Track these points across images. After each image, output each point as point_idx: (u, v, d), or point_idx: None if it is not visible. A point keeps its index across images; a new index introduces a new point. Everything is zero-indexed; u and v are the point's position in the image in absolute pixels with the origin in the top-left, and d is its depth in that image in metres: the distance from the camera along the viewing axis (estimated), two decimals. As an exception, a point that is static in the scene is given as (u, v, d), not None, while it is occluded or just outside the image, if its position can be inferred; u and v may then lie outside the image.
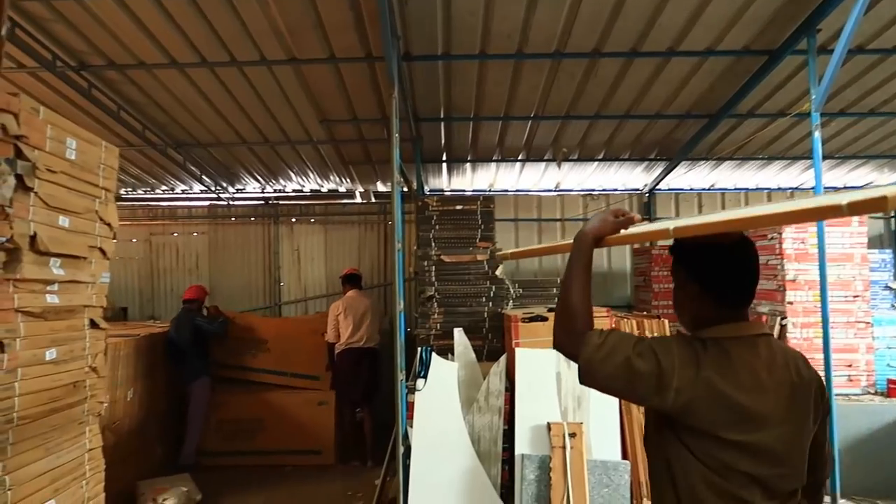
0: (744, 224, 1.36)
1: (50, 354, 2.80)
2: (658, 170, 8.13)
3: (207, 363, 6.64)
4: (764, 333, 1.59)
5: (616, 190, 8.96)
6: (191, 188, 8.70)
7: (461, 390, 4.73)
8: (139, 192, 8.83)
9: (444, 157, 7.74)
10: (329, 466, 6.52)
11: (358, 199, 8.98)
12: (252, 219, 9.06)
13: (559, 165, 7.48)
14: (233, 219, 9.06)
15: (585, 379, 1.57)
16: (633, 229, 1.67)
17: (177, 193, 8.89)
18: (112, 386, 5.49)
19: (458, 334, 5.21)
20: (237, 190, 8.90)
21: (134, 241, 8.96)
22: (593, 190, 8.97)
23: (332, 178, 8.51)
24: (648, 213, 8.89)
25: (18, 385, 2.61)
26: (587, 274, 1.66)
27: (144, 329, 6.72)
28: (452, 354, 5.14)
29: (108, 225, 3.29)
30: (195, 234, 8.99)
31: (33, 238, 2.63)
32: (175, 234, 8.99)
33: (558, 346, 1.65)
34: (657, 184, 8.52)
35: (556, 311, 1.67)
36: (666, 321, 4.77)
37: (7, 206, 2.48)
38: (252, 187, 8.84)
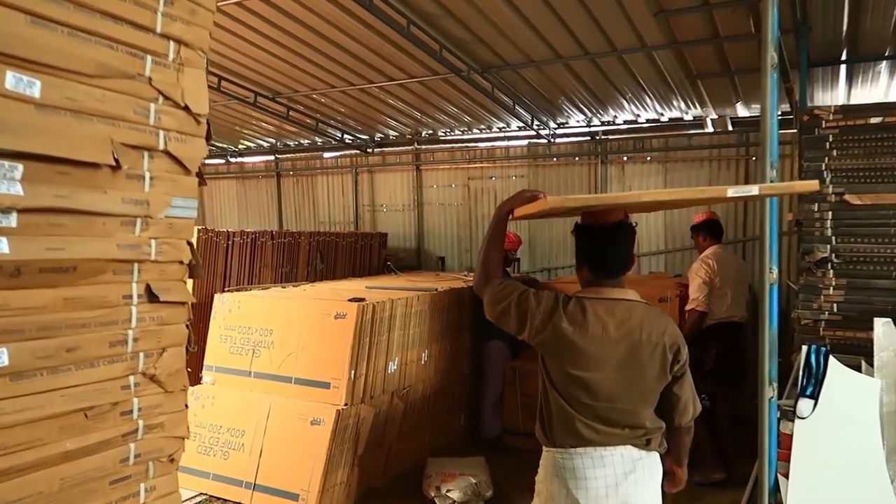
0: (613, 202, 2.13)
1: (-6, 361, 1.33)
2: None
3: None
4: (628, 299, 2.10)
5: None
6: (508, 125, 7.78)
7: (885, 426, 2.75)
8: (456, 132, 8.25)
9: (844, 56, 5.32)
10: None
11: (709, 129, 6.99)
12: (576, 158, 7.79)
13: None
14: (554, 159, 7.90)
15: (486, 311, 2.18)
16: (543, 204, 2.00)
17: (494, 133, 8.07)
18: (402, 347, 4.82)
19: (882, 327, 3.10)
20: (559, 125, 7.69)
21: (453, 186, 8.47)
22: None
23: (674, 102, 6.69)
24: None
25: None
26: (502, 236, 2.24)
27: (449, 282, 6.00)
28: (868, 360, 3.09)
29: (186, 109, 1.68)
30: (513, 177, 8.10)
31: None
32: (493, 178, 8.22)
33: (476, 288, 2.26)
34: None
35: (477, 264, 2.27)
36: None
37: None
38: (576, 120, 7.52)
